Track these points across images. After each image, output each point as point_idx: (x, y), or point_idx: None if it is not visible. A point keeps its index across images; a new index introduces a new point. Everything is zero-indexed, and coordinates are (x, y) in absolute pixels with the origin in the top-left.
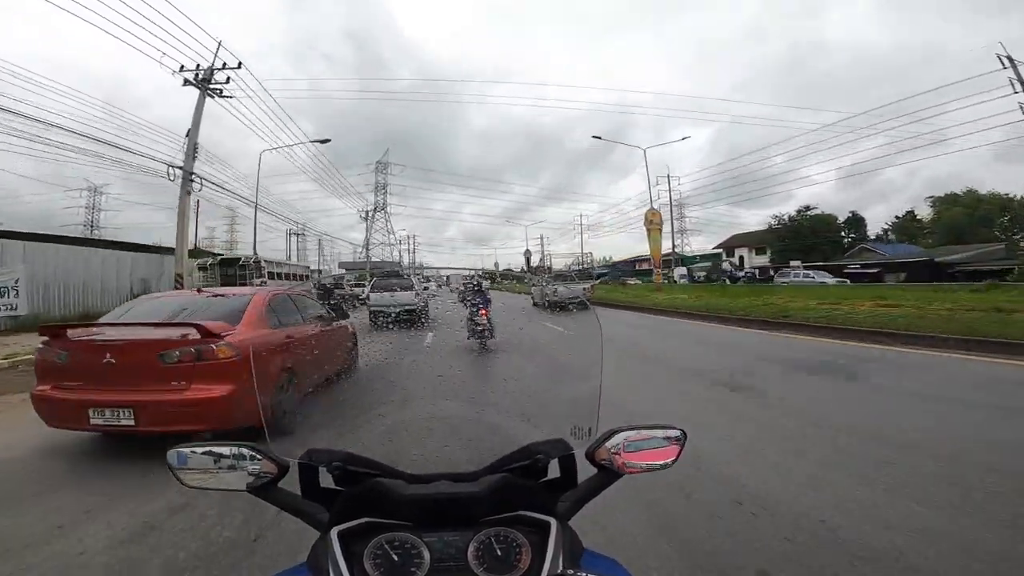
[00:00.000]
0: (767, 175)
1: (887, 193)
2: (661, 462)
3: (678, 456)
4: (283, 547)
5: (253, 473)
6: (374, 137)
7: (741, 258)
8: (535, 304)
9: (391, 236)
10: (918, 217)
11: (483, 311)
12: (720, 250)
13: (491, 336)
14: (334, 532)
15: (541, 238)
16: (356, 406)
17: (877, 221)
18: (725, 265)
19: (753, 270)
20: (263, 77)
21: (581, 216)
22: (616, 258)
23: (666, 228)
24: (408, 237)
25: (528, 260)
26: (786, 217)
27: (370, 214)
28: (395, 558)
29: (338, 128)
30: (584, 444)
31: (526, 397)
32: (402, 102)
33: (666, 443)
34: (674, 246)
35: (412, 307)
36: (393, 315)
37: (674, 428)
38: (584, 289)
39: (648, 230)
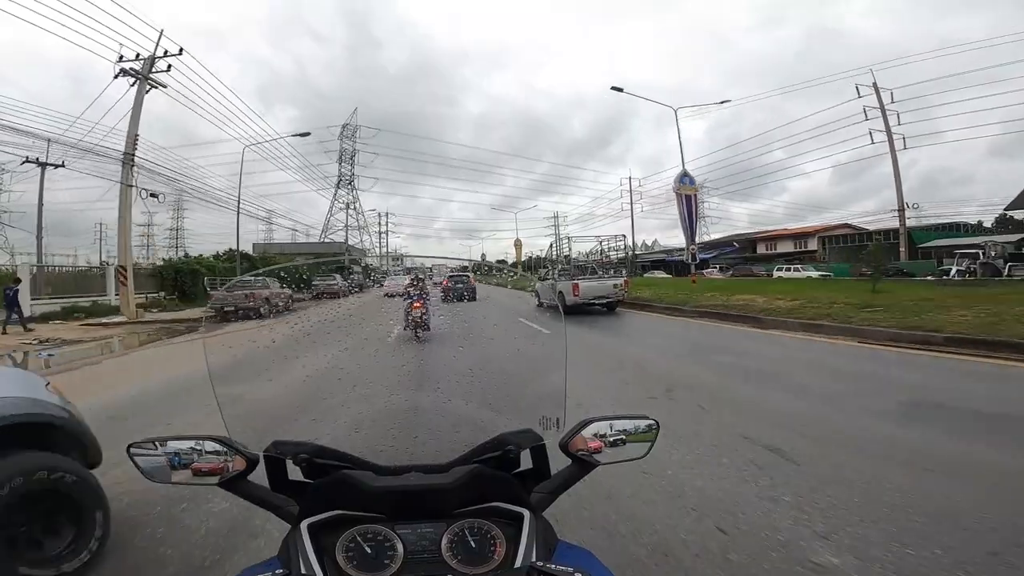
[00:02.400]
0: None
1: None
2: (635, 453)
3: (651, 447)
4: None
5: (221, 467)
6: (367, 123)
7: None
8: (540, 304)
9: (360, 217)
10: None
11: (416, 304)
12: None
13: (426, 328)
14: (304, 525)
15: (556, 215)
16: (317, 397)
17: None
18: None
19: None
20: (238, 55)
21: (630, 180)
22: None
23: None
24: (380, 216)
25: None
26: None
27: (335, 192)
28: (368, 550)
29: (324, 116)
30: (553, 435)
31: (493, 389)
32: (394, 84)
33: (640, 434)
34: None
35: None
36: None
37: (647, 418)
38: (616, 286)
39: None
